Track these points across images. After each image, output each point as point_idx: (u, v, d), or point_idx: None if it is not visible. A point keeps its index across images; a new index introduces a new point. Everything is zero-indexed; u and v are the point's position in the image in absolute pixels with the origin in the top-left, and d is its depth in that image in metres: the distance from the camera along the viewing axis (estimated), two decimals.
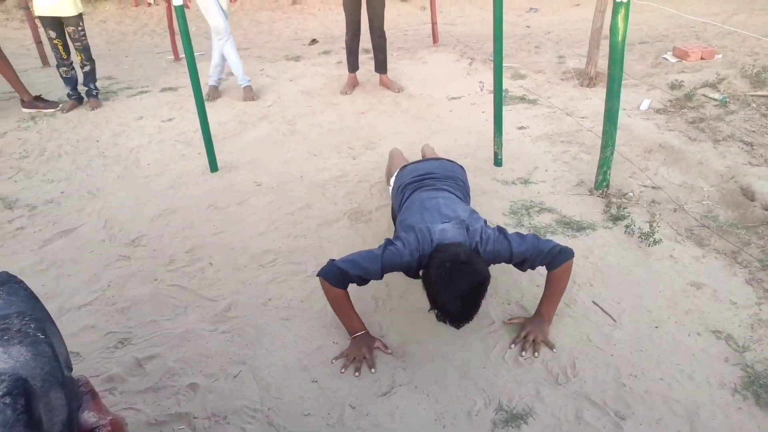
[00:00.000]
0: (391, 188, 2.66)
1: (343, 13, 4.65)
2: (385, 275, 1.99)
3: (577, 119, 3.97)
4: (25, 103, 4.74)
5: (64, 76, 4.77)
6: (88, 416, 1.41)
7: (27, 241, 2.86)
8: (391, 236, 2.10)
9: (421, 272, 1.95)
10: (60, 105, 4.80)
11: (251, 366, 2.02)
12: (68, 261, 2.67)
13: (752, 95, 4.15)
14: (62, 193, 3.36)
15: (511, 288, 2.32)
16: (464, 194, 2.42)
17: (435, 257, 1.88)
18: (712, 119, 3.77)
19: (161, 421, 1.81)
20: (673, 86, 4.45)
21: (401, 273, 2.03)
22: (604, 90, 4.50)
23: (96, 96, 4.88)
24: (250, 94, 4.84)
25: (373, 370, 1.97)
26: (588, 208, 2.88)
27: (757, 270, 2.33)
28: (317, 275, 2.01)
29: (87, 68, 4.80)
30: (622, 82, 4.73)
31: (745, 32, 5.25)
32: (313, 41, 6.99)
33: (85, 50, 4.75)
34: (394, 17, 8.56)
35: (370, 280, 2.01)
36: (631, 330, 2.08)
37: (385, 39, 4.81)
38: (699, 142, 3.42)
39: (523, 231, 2.73)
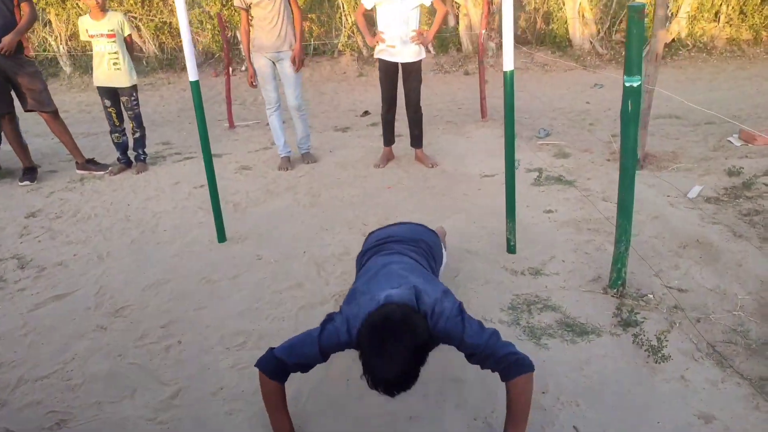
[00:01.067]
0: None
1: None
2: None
3: (612, 204, 3.63)
4: (78, 165, 5.03)
5: (116, 141, 5.05)
6: None
7: (20, 304, 2.90)
8: None
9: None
10: (110, 168, 5.06)
11: None
12: (47, 328, 2.66)
13: None
14: (74, 255, 3.44)
15: (484, 401, 2.03)
16: (428, 258, 2.18)
17: (368, 316, 1.68)
18: None
19: None
20: (731, 172, 4.03)
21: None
22: (650, 174, 4.19)
23: (144, 161, 5.12)
24: (284, 164, 4.89)
25: None
26: (598, 308, 2.55)
27: None
28: (255, 365, 1.85)
29: (137, 135, 5.07)
30: (674, 166, 4.37)
31: None
32: (365, 113, 7.08)
33: (137, 118, 5.02)
34: (454, 90, 8.60)
35: (313, 366, 1.83)
36: None
37: (421, 114, 4.74)
38: (744, 240, 3.00)
39: (519, 330, 2.45)
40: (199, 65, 10.14)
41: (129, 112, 4.97)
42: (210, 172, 3.39)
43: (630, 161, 2.44)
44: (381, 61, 4.50)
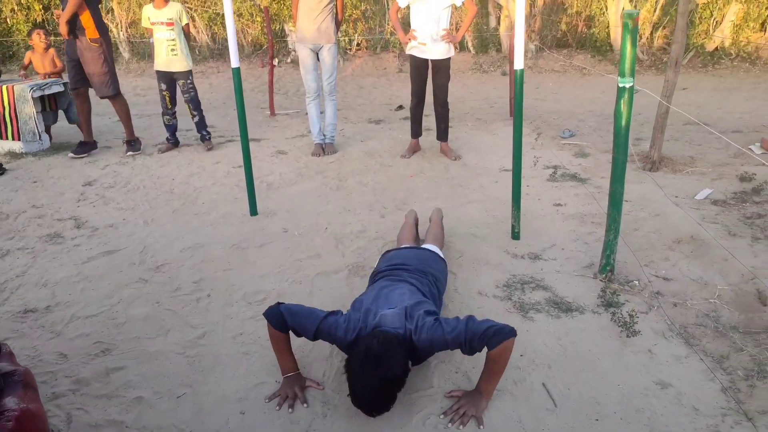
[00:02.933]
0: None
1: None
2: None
3: None
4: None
5: (166, 123, 5.48)
6: (8, 401, 1.66)
7: (75, 257, 3.31)
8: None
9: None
10: (158, 146, 5.50)
11: (195, 390, 2.18)
12: (97, 278, 3.06)
13: None
14: (124, 219, 3.85)
15: (465, 359, 2.29)
16: (431, 289, 2.42)
17: (354, 346, 1.98)
18: None
19: (99, 425, 2.02)
20: (743, 178, 4.15)
21: None
22: (664, 175, 4.35)
23: (209, 139, 5.55)
24: (317, 150, 5.23)
25: (305, 405, 2.07)
26: (585, 290, 2.77)
27: (739, 379, 2.11)
28: (263, 314, 2.16)
29: (196, 118, 5.48)
30: (691, 169, 4.51)
31: None
32: (400, 107, 7.36)
33: (193, 101, 5.43)
34: (489, 89, 8.79)
35: (302, 336, 2.13)
36: (567, 418, 1.98)
37: (448, 109, 4.99)
38: (737, 238, 3.16)
39: (509, 305, 2.70)
40: (248, 56, 10.63)
41: (185, 96, 5.38)
42: (246, 152, 3.73)
43: (621, 156, 2.65)
44: (412, 57, 4.78)
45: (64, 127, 6.23)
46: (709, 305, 2.58)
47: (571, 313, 2.59)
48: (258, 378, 2.24)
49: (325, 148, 5.28)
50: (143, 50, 11.21)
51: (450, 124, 5.13)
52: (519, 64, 3.08)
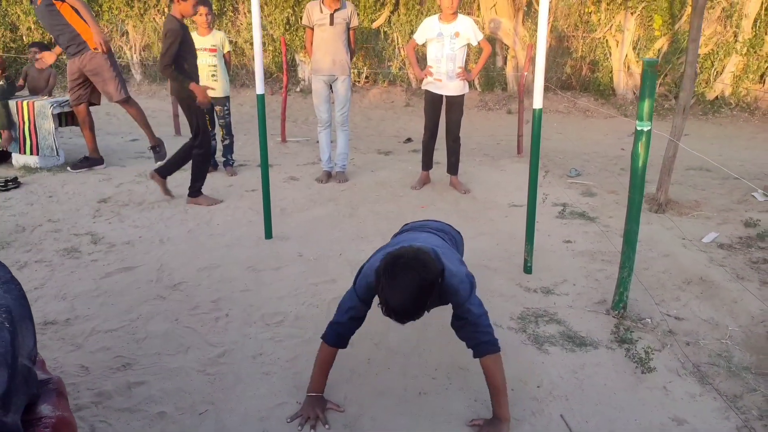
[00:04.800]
0: None
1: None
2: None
3: None
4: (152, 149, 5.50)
5: None
6: (44, 408, 1.68)
7: (94, 272, 3.35)
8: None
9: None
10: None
11: (217, 408, 2.21)
12: (116, 292, 3.09)
13: None
14: (140, 237, 3.89)
15: (485, 387, 2.31)
16: (453, 246, 2.47)
17: (386, 254, 1.98)
18: None
19: None
20: (748, 224, 4.25)
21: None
22: (671, 217, 4.44)
23: (232, 165, 5.65)
24: (323, 177, 5.34)
25: (327, 426, 2.09)
26: (598, 326, 2.82)
27: (753, 419, 2.15)
28: (321, 338, 2.20)
29: (227, 142, 5.59)
30: (695, 213, 4.61)
31: None
32: (408, 140, 7.49)
33: (227, 126, 5.56)
34: (495, 127, 8.96)
35: (363, 315, 2.16)
36: None
37: (460, 144, 5.11)
38: (745, 281, 3.23)
39: (524, 336, 2.74)
40: None
41: (221, 121, 5.50)
42: (265, 176, 3.81)
43: (637, 195, 2.74)
44: (427, 92, 4.92)
45: (78, 144, 6.31)
46: (721, 345, 2.64)
47: (586, 348, 2.64)
48: (279, 398, 2.27)
49: (336, 177, 5.37)
50: (155, 73, 11.39)
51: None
52: (538, 103, 3.19)
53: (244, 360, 2.51)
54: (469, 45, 4.79)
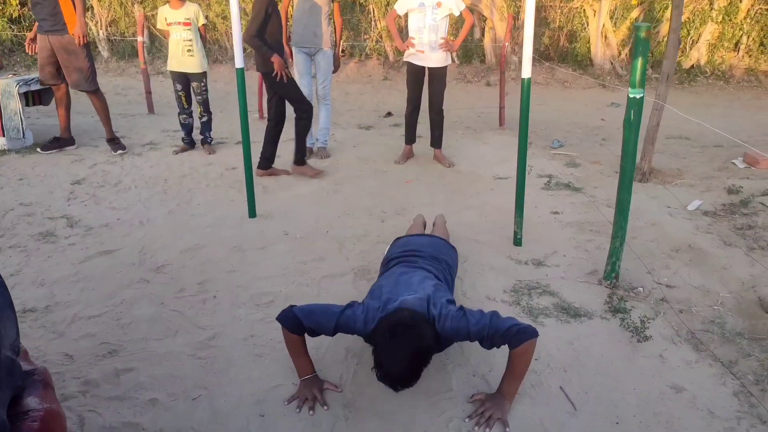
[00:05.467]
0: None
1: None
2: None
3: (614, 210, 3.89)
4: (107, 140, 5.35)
5: (182, 122, 5.40)
6: (31, 401, 1.60)
7: (72, 256, 3.22)
8: None
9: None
10: (174, 149, 5.45)
11: (211, 392, 2.14)
12: (97, 277, 2.98)
13: None
14: (118, 219, 3.76)
15: (481, 360, 2.31)
16: (446, 276, 2.44)
17: (383, 318, 1.96)
18: (761, 228, 3.58)
19: (114, 427, 1.96)
20: (731, 191, 4.28)
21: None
22: (655, 186, 4.46)
23: (210, 143, 5.47)
24: (322, 153, 5.27)
25: (326, 407, 2.05)
26: (591, 296, 2.82)
27: (749, 383, 2.17)
28: (275, 318, 2.13)
29: (204, 119, 5.41)
30: (679, 181, 4.62)
31: None
32: (388, 114, 7.38)
33: (205, 103, 5.37)
34: (475, 99, 8.88)
35: (320, 334, 2.11)
36: (588, 421, 2.00)
37: (443, 117, 5.03)
38: (733, 248, 3.26)
39: (518, 309, 2.72)
40: (232, 58, 10.53)
41: (198, 98, 5.31)
42: (247, 153, 3.70)
43: (629, 164, 2.71)
44: (410, 64, 4.81)
45: (47, 125, 6.07)
46: (714, 312, 2.65)
47: (580, 319, 2.63)
48: (274, 380, 2.21)
49: (318, 153, 5.27)
50: (123, 49, 11.02)
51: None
52: (527, 72, 3.13)
53: (236, 342, 2.45)
54: (450, 15, 4.69)
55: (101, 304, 2.73)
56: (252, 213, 3.82)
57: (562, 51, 10.44)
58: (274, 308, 2.71)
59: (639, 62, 2.56)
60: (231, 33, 10.69)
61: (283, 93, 4.49)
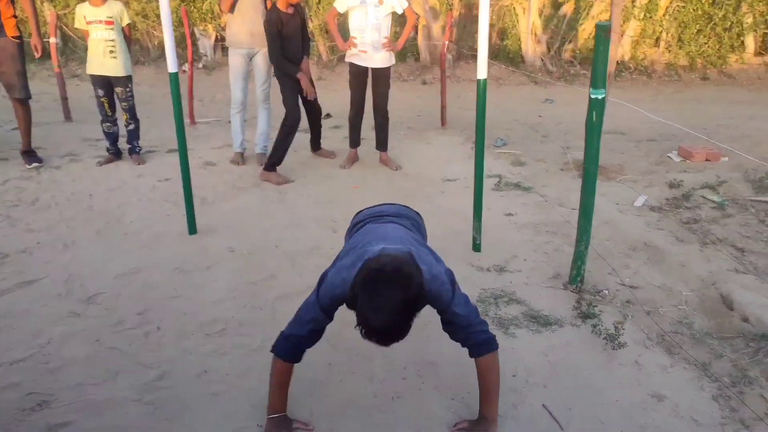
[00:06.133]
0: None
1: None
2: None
3: (567, 210, 3.89)
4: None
5: (106, 131, 4.95)
6: None
7: None
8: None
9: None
10: (98, 159, 4.99)
11: None
12: (18, 314, 2.63)
13: (752, 200, 4.03)
14: (38, 243, 3.37)
15: (459, 382, 2.17)
16: (418, 233, 2.26)
17: (363, 266, 1.73)
18: (706, 221, 3.65)
19: None
20: (672, 185, 4.37)
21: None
22: (600, 183, 4.46)
23: (138, 152, 5.05)
24: (237, 159, 4.99)
25: None
26: (559, 302, 2.75)
27: (726, 386, 2.15)
28: (271, 351, 1.91)
29: (131, 126, 4.98)
30: (621, 177, 4.68)
31: (758, 137, 5.18)
32: (327, 115, 7.14)
33: (131, 110, 4.94)
34: (413, 98, 8.79)
35: (323, 328, 1.89)
36: None
37: (388, 119, 4.89)
38: (686, 244, 3.29)
39: (489, 321, 2.58)
40: (155, 60, 9.97)
41: (123, 104, 4.88)
42: (184, 163, 3.41)
43: (592, 167, 2.66)
44: (352, 65, 4.63)
45: None
46: (680, 312, 2.64)
47: (551, 327, 2.55)
48: (236, 422, 1.99)
49: (258, 159, 5.00)
50: (31, 52, 10.17)
51: None
52: (482, 73, 3.03)
53: (187, 381, 2.19)
54: (394, 13, 4.54)
55: (25, 346, 2.39)
56: (192, 229, 3.53)
57: (494, 48, 10.54)
58: (227, 338, 2.47)
59: (600, 61, 2.50)
60: (152, 33, 10.15)
61: (282, 92, 4.55)
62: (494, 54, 10.49)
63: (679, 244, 3.30)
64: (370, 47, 4.48)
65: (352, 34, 4.52)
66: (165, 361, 2.30)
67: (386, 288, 1.61)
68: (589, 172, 2.67)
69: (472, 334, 1.86)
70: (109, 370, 2.25)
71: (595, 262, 3.10)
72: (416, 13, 4.68)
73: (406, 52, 10.43)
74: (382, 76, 4.64)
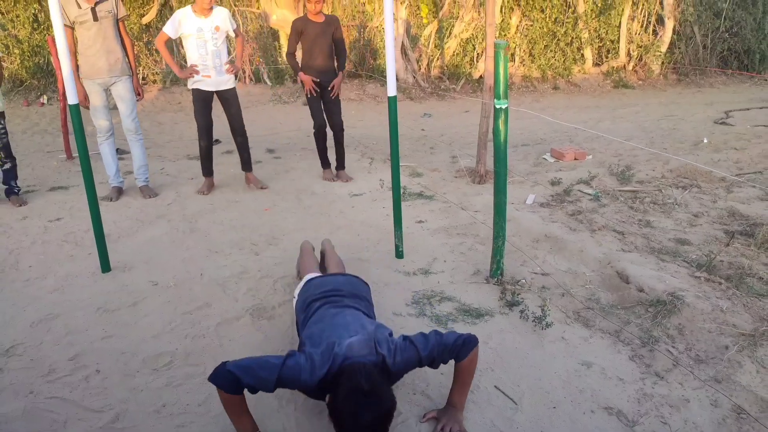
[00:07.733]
0: (295, 300, 2.57)
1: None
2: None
3: (471, 213, 4.22)
4: None
5: None
6: None
7: None
8: (295, 335, 2.05)
9: (327, 398, 1.88)
10: None
11: None
12: None
13: (620, 190, 4.64)
14: None
15: (416, 378, 2.32)
16: (370, 312, 2.40)
17: (341, 384, 1.82)
18: (588, 212, 4.15)
19: None
20: (553, 183, 4.89)
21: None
22: (492, 186, 4.90)
23: (17, 194, 4.60)
24: (115, 194, 4.74)
25: None
26: (485, 295, 3.01)
27: (638, 347, 2.51)
28: (208, 380, 1.90)
29: (7, 165, 4.54)
30: (509, 180, 5.14)
31: (610, 137, 5.95)
32: (216, 141, 7.03)
33: (6, 148, 4.50)
34: (298, 120, 8.88)
35: (260, 390, 1.91)
36: (531, 412, 2.14)
37: (247, 138, 4.91)
38: (578, 232, 3.74)
39: (426, 320, 2.79)
40: (6, 93, 9.11)
41: None
42: (92, 200, 3.25)
43: (502, 169, 2.96)
44: (197, 91, 4.60)
45: None
46: (587, 290, 3.01)
47: (483, 318, 2.79)
48: None
49: (144, 192, 4.78)
50: None
51: (278, 155, 5.09)
52: (392, 91, 3.24)
53: (147, 417, 2.13)
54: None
55: None
56: (105, 267, 3.35)
57: (369, 68, 10.96)
58: (176, 370, 2.42)
59: (501, 76, 2.81)
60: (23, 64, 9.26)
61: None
62: (369, 74, 10.91)
63: (572, 233, 3.73)
64: (213, 71, 4.53)
65: (191, 62, 4.52)
66: (116, 402, 2.21)
67: (366, 410, 1.74)
68: (500, 174, 2.97)
69: (451, 348, 2.01)
70: (55, 420, 2.11)
71: (508, 255, 3.42)
72: (242, 34, 4.85)
73: (284, 75, 10.52)
74: (231, 96, 4.69)
